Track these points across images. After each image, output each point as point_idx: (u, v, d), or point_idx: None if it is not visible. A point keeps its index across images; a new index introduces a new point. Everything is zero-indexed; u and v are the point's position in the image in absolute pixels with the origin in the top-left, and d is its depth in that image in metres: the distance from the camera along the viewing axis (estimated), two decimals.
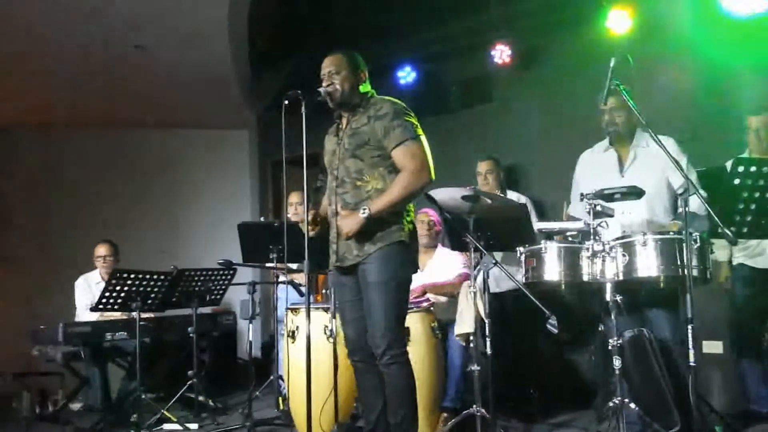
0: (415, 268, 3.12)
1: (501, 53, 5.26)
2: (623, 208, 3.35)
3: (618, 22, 4.52)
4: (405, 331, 3.10)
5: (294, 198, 5.16)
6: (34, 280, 6.78)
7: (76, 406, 5.44)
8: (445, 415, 3.85)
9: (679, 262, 2.87)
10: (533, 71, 5.31)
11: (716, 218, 2.64)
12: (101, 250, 5.36)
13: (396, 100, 3.09)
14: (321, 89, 3.05)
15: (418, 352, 3.51)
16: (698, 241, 2.88)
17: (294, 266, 4.76)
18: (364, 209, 2.91)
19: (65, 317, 5.02)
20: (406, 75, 5.83)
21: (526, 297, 3.26)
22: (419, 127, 3.04)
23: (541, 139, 5.24)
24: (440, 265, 4.42)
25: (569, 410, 4.33)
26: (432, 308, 3.96)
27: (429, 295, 4.19)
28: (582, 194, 3.12)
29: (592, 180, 3.47)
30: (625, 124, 3.52)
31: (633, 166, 3.51)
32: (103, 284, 5.03)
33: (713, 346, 3.88)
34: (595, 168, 3.67)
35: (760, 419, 3.71)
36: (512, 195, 4.69)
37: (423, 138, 3.02)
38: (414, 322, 3.70)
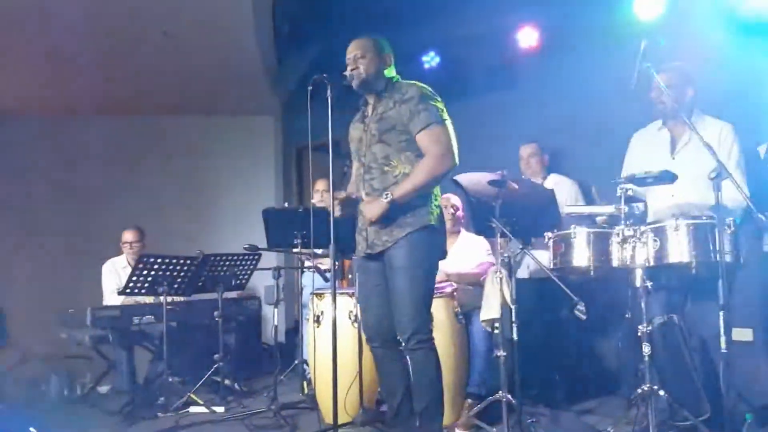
0: (443, 253, 3.10)
1: (527, 37, 5.19)
2: (674, 191, 3.29)
3: (647, 5, 4.41)
4: (430, 316, 3.09)
5: (320, 185, 5.16)
6: (63, 265, 6.86)
7: (104, 389, 5.51)
8: (469, 401, 3.84)
9: (711, 248, 2.82)
10: (559, 56, 5.22)
11: (749, 203, 2.59)
12: (128, 236, 5.42)
13: (422, 84, 3.07)
14: (347, 73, 3.04)
15: (441, 338, 3.49)
16: (731, 226, 2.83)
17: (319, 252, 4.77)
18: (387, 194, 2.90)
19: (93, 301, 5.09)
20: (431, 59, 5.78)
21: (553, 282, 3.23)
22: (445, 111, 3.02)
23: (566, 125, 5.16)
24: (464, 251, 4.38)
25: (595, 397, 4.30)
26: (455, 294, 3.94)
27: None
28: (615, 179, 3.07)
29: (642, 161, 3.41)
30: (673, 104, 3.36)
31: (686, 148, 3.41)
32: (129, 269, 5.09)
33: (742, 334, 3.82)
34: (646, 148, 3.58)
35: None
36: (555, 178, 4.65)
37: (449, 122, 3.00)
38: (437, 308, 3.68)
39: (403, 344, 2.95)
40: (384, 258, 3.01)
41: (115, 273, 5.33)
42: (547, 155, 4.78)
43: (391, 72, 3.12)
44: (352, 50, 3.08)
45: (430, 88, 3.06)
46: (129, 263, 5.32)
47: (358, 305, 3.33)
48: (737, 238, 2.91)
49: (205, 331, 5.17)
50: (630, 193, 3.02)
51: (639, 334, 3.00)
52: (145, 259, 4.49)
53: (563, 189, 4.48)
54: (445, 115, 3.01)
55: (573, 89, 5.14)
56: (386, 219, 2.94)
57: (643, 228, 3.01)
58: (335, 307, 2.98)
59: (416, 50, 5.77)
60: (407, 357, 2.98)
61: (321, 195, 5.13)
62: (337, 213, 3.04)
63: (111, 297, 5.20)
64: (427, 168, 2.93)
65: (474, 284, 4.16)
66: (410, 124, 2.96)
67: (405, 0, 5.72)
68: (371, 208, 2.94)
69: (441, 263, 3.19)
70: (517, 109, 5.52)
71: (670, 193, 3.29)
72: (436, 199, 3.06)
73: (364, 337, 3.26)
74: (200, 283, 4.80)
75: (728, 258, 2.83)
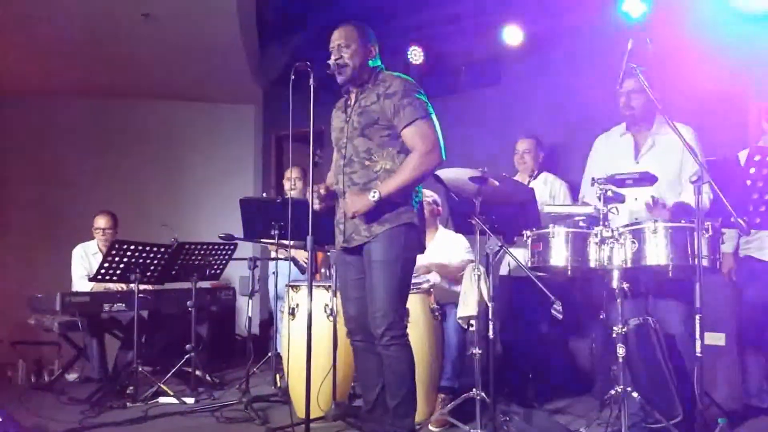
0: (421, 249, 3.07)
1: (511, 34, 5.17)
2: (635, 194, 3.29)
3: (634, 6, 4.42)
4: (405, 312, 3.06)
5: (292, 173, 5.12)
6: (33, 248, 6.75)
7: (72, 376, 5.43)
8: (442, 396, 3.82)
9: (689, 251, 2.82)
10: (543, 54, 5.22)
11: (730, 208, 2.59)
12: (101, 221, 5.31)
13: (406, 77, 3.02)
14: (330, 62, 2.98)
15: (417, 333, 3.48)
16: (709, 230, 2.83)
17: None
18: (375, 192, 2.84)
19: (63, 286, 4.99)
20: (415, 55, 5.73)
21: (529, 280, 3.21)
22: (430, 105, 2.98)
23: (549, 123, 5.17)
24: (442, 247, 4.36)
25: (567, 396, 4.31)
26: (432, 290, 3.92)
27: (432, 276, 4.14)
28: (593, 179, 3.06)
29: (606, 165, 3.40)
30: (642, 108, 3.41)
31: (649, 153, 3.42)
32: (100, 255, 5.02)
33: (715, 338, 3.84)
34: (609, 153, 3.59)
35: (761, 413, 3.68)
36: (546, 177, 4.63)
37: (434, 117, 2.96)
38: (414, 303, 3.65)
39: (377, 340, 2.91)
40: (363, 251, 2.97)
41: (85, 258, 5.22)
42: (543, 153, 4.74)
43: (375, 62, 3.07)
44: (336, 39, 3.01)
45: (413, 81, 3.02)
46: (100, 249, 5.23)
47: (339, 298, 3.29)
48: (715, 242, 2.91)
49: (177, 321, 5.10)
50: (609, 193, 3.01)
51: (614, 335, 2.99)
52: (117, 246, 4.41)
53: (554, 188, 4.50)
54: (430, 109, 2.97)
55: (559, 87, 5.14)
56: (367, 214, 2.90)
57: (621, 229, 3.01)
58: (311, 300, 2.94)
59: (401, 45, 5.72)
60: (380, 353, 2.95)
61: (293, 183, 5.11)
62: (317, 206, 3.00)
63: (80, 283, 5.10)
64: (414, 165, 2.89)
65: (454, 280, 4.15)
66: (395, 120, 2.92)
67: None
68: (355, 203, 2.89)
69: (419, 257, 3.16)
70: (500, 106, 5.52)
71: (632, 196, 3.29)
72: (417, 196, 3.03)
73: (340, 331, 3.22)
74: (174, 272, 4.73)
75: (705, 262, 2.83)
